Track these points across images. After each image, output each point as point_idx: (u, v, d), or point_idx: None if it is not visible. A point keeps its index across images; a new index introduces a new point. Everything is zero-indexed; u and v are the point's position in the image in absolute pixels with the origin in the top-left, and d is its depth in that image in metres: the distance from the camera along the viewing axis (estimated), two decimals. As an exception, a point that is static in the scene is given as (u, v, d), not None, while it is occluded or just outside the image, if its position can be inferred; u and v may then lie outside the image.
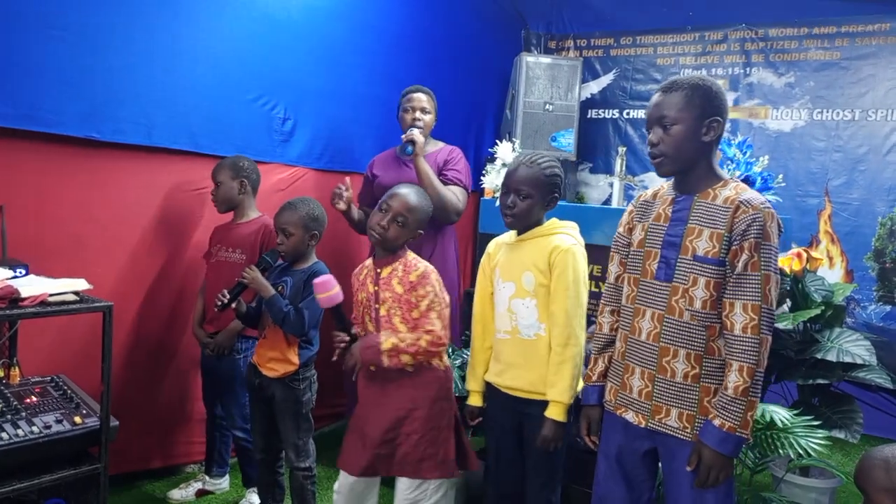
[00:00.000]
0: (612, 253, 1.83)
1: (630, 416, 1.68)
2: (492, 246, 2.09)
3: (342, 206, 2.81)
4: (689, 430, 1.59)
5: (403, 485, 1.98)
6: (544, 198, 1.93)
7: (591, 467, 1.86)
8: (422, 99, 2.99)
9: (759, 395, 1.54)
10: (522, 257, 1.95)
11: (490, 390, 2.05)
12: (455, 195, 2.92)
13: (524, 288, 1.93)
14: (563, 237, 1.92)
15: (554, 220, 1.98)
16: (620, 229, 1.81)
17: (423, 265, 2.01)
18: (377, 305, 2.01)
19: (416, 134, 2.84)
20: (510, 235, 2.03)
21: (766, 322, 1.52)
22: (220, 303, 2.21)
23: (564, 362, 1.86)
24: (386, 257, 2.02)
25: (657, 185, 1.80)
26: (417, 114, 2.96)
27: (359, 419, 2.05)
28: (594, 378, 1.81)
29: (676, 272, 1.61)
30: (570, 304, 1.87)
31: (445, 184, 2.92)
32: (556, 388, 1.87)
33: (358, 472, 1.99)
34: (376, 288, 2.01)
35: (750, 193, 1.58)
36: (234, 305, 2.24)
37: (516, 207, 1.91)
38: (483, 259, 2.11)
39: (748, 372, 1.50)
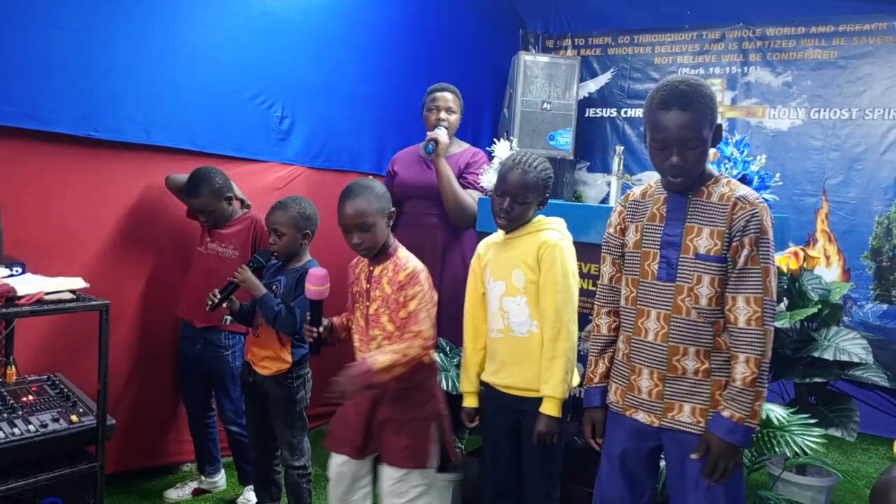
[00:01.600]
0: (603, 254, 1.82)
1: (641, 417, 1.68)
2: (481, 247, 2.09)
3: None
4: (701, 424, 1.60)
5: (387, 475, 1.97)
6: (538, 200, 1.95)
7: (590, 466, 1.87)
8: (447, 98, 2.92)
9: (766, 384, 1.56)
10: (511, 255, 1.96)
11: (486, 389, 2.05)
12: (474, 199, 2.78)
13: (514, 286, 1.93)
14: (550, 233, 1.93)
15: (541, 217, 1.98)
16: (611, 230, 1.80)
17: (413, 264, 1.98)
18: (368, 302, 2.02)
19: (440, 133, 2.79)
20: (499, 235, 2.04)
21: (768, 314, 1.55)
22: (209, 303, 2.21)
23: (556, 357, 1.87)
24: (378, 256, 2.03)
25: (643, 183, 1.79)
26: (443, 114, 2.88)
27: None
28: (596, 380, 1.80)
29: (679, 271, 1.62)
30: (559, 298, 1.87)
31: (465, 187, 2.83)
32: (549, 383, 1.87)
33: (346, 451, 1.99)
34: (368, 285, 2.02)
35: (744, 189, 1.61)
36: (226, 304, 2.25)
37: (513, 212, 1.92)
38: (473, 260, 2.10)
39: (755, 363, 1.53)
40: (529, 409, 1.91)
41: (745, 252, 1.55)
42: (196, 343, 2.61)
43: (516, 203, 1.91)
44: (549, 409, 1.87)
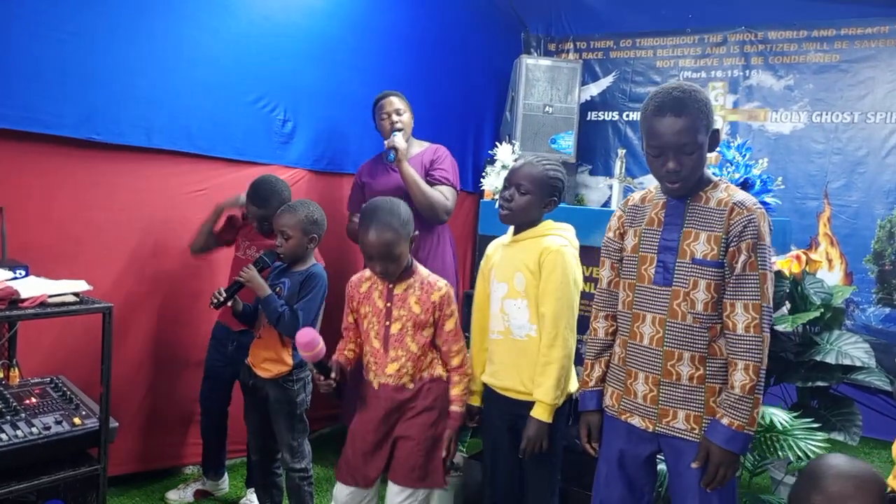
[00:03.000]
0: (602, 258, 1.83)
1: (636, 421, 1.69)
2: (490, 248, 2.10)
3: None
4: (696, 431, 1.61)
5: (393, 491, 1.96)
6: (543, 198, 1.93)
7: (589, 469, 1.87)
8: (393, 101, 2.99)
9: (763, 391, 1.56)
10: (515, 258, 1.96)
11: (486, 391, 2.06)
12: (443, 194, 2.94)
13: (516, 288, 1.94)
14: (554, 238, 1.93)
15: (549, 221, 1.98)
16: (610, 234, 1.81)
17: (443, 284, 1.99)
18: (388, 323, 1.97)
19: (397, 140, 2.85)
20: (507, 236, 2.03)
21: (766, 320, 1.55)
22: (215, 301, 2.21)
23: (550, 363, 1.86)
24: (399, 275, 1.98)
25: (644, 188, 1.81)
26: (394, 116, 2.95)
27: (356, 429, 2.02)
28: (592, 383, 1.81)
29: (676, 276, 1.63)
30: (557, 305, 1.87)
31: (433, 184, 2.93)
32: (541, 388, 1.87)
33: (359, 483, 1.97)
34: (389, 304, 1.98)
35: (742, 195, 1.62)
36: (229, 304, 2.25)
37: (513, 202, 1.92)
38: (482, 262, 2.11)
39: (754, 370, 1.53)
40: (525, 413, 1.91)
41: (743, 258, 1.55)
42: (228, 345, 2.59)
43: (518, 193, 1.91)
44: (540, 413, 1.86)
